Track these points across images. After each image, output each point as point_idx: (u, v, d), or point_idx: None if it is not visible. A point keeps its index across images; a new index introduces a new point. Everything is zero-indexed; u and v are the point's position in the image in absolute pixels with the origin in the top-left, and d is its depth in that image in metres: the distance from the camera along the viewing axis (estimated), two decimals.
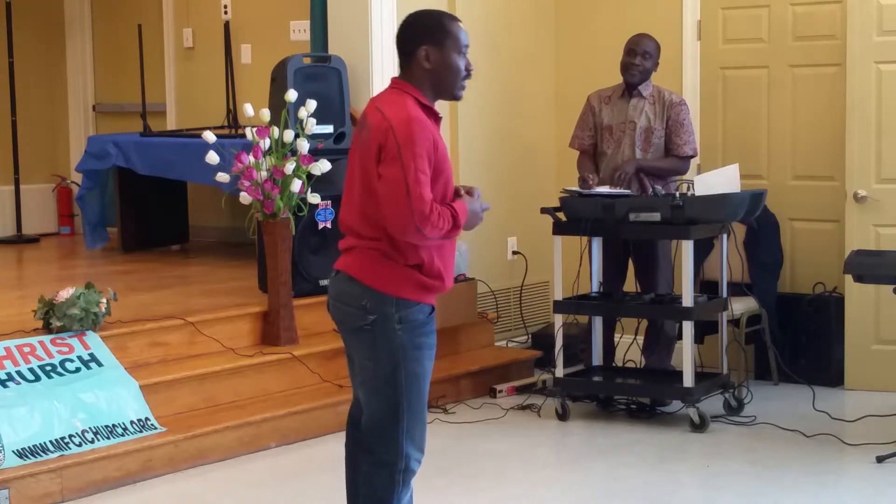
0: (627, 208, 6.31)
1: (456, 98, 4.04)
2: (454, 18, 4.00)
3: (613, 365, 6.91)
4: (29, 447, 5.21)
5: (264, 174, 6.43)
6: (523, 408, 6.73)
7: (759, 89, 7.45)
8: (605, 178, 6.75)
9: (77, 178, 8.89)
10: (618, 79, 6.86)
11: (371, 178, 3.85)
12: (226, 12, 9.10)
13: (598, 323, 6.76)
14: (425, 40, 3.93)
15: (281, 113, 6.48)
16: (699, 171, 7.27)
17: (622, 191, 6.53)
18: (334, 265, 4.01)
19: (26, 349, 5.63)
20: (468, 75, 3.98)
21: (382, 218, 3.83)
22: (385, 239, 3.86)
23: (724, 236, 6.54)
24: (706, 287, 6.95)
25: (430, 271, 3.91)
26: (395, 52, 7.51)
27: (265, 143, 6.47)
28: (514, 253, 7.83)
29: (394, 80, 4.00)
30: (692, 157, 6.86)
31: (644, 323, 6.91)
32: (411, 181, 3.77)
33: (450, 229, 3.87)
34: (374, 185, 3.84)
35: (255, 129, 6.52)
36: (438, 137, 3.90)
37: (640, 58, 6.71)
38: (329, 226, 6.78)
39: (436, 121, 3.97)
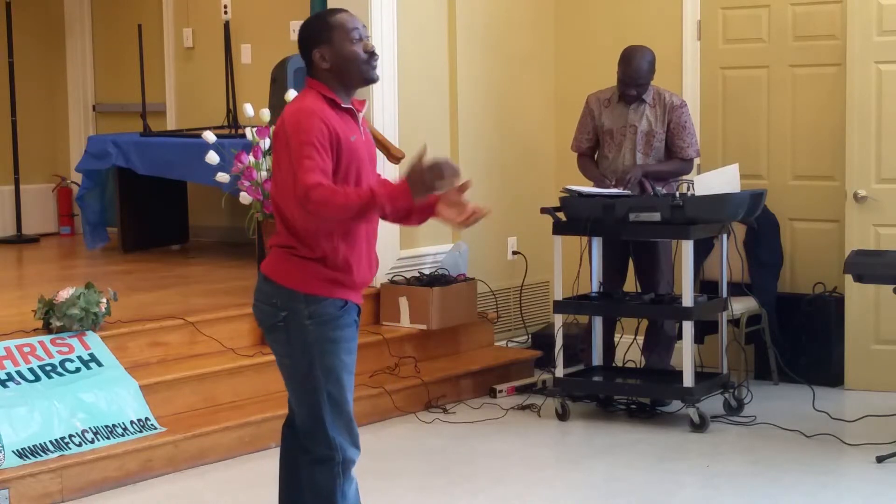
0: (627, 208, 6.31)
1: (370, 81, 4.05)
2: (337, 11, 4.03)
3: (613, 365, 6.91)
4: (29, 447, 5.21)
5: (264, 174, 6.43)
6: (523, 408, 6.73)
7: (759, 89, 7.45)
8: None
9: (77, 178, 8.90)
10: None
11: (279, 178, 3.92)
12: (226, 12, 9.10)
13: (598, 323, 6.76)
14: (315, 44, 3.97)
15: (281, 113, 6.47)
16: (699, 171, 7.27)
17: (622, 191, 6.53)
18: None
19: (26, 349, 5.63)
20: (371, 56, 4.01)
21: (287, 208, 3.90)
22: (290, 235, 3.91)
23: (724, 236, 6.54)
24: (706, 287, 6.95)
25: (336, 264, 3.91)
26: (394, 52, 7.57)
27: (265, 143, 6.47)
28: (514, 253, 7.83)
29: (308, 81, 4.04)
30: (695, 158, 6.87)
31: (644, 323, 6.91)
32: (296, 165, 3.78)
33: (360, 205, 3.75)
34: (281, 184, 3.90)
35: (255, 129, 6.52)
36: (344, 129, 3.90)
37: (635, 89, 6.69)
38: None
39: (347, 113, 3.97)
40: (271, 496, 4.74)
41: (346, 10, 4.03)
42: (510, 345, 7.73)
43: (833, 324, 7.09)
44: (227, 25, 9.06)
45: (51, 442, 5.29)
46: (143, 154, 8.09)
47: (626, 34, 7.29)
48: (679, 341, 6.65)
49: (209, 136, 6.66)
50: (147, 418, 5.64)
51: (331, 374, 3.94)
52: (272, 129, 6.44)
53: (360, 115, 4.03)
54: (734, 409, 6.51)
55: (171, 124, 9.44)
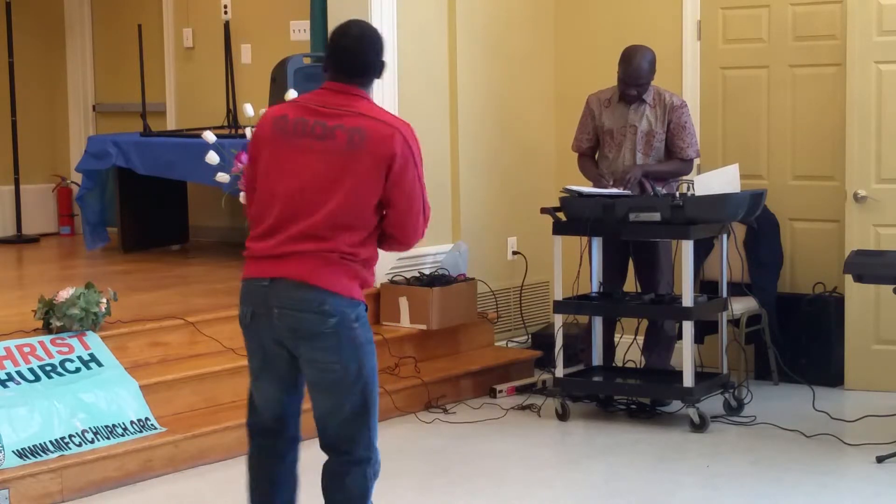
0: (627, 208, 6.31)
1: None
2: None
3: (613, 365, 6.91)
4: (29, 447, 5.21)
5: None
6: (523, 408, 6.73)
7: (759, 89, 7.45)
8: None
9: (77, 178, 8.89)
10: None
11: (366, 187, 3.88)
12: (226, 12, 9.10)
13: (598, 323, 6.76)
14: (384, 54, 4.06)
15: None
16: (699, 171, 7.27)
17: (622, 191, 6.53)
18: (266, 273, 3.97)
19: (26, 349, 5.63)
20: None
21: (392, 226, 3.95)
22: (351, 238, 3.90)
23: (724, 236, 6.54)
24: (706, 287, 6.94)
25: (371, 266, 4.02)
26: (394, 52, 7.56)
27: None
28: (514, 253, 7.83)
29: (352, 87, 3.99)
30: (695, 158, 6.86)
31: (644, 323, 6.91)
32: (424, 190, 3.99)
33: None
34: (369, 194, 3.88)
35: (255, 129, 6.50)
36: None
37: (635, 89, 6.68)
38: None
39: None
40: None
41: None
42: (510, 345, 7.73)
43: (833, 324, 7.09)
44: (227, 25, 9.06)
45: (51, 442, 5.29)
46: (143, 154, 8.08)
47: (626, 34, 7.28)
48: (679, 341, 6.65)
49: (209, 136, 6.65)
50: (147, 418, 5.64)
51: (373, 374, 4.04)
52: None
53: None
54: (734, 409, 6.51)
55: (171, 124, 9.43)
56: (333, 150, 3.90)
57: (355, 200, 3.89)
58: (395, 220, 3.96)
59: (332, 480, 4.07)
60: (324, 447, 4.09)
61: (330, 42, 4.06)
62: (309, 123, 3.94)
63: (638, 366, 6.90)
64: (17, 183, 9.49)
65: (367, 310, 4.03)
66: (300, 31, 8.56)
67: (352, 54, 3.99)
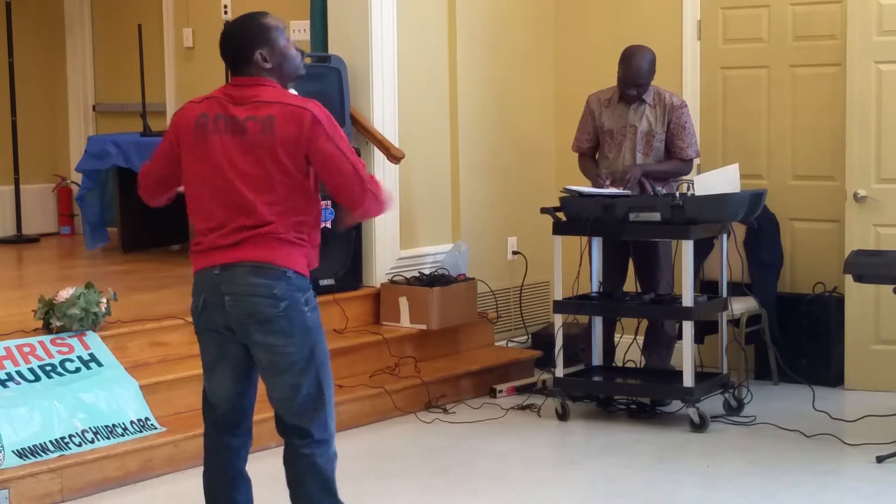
0: (627, 208, 6.31)
1: (301, 77, 4.19)
2: (268, 14, 4.14)
3: (613, 365, 6.91)
4: (29, 447, 5.21)
5: None
6: (523, 408, 6.73)
7: (759, 89, 7.45)
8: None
9: (77, 178, 8.89)
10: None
11: (288, 170, 3.97)
12: (226, 12, 9.10)
13: (598, 323, 6.76)
14: (257, 45, 4.05)
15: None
16: (699, 171, 7.27)
17: (622, 191, 6.53)
18: (216, 261, 4.02)
19: (26, 349, 5.63)
20: (303, 54, 4.18)
21: (333, 195, 4.04)
22: (285, 224, 3.99)
23: (724, 236, 6.54)
24: (706, 287, 6.95)
25: (316, 246, 4.12)
26: (394, 52, 7.56)
27: None
28: (514, 253, 7.83)
29: (255, 78, 4.05)
30: (695, 158, 6.86)
31: (644, 323, 6.91)
32: (352, 156, 4.00)
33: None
34: (294, 174, 3.97)
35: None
36: None
37: (635, 89, 6.68)
38: (329, 226, 6.77)
39: None
40: (270, 495, 4.75)
41: (270, 13, 4.16)
42: (510, 345, 7.73)
43: (833, 324, 7.09)
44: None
45: (51, 442, 5.29)
46: (143, 154, 8.07)
47: (626, 34, 7.28)
48: (679, 341, 6.65)
49: None
50: (147, 418, 5.64)
51: (325, 358, 4.12)
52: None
53: None
54: (734, 409, 6.51)
55: None
56: (250, 142, 3.99)
57: (283, 183, 3.98)
58: (331, 189, 4.04)
59: (300, 466, 4.12)
60: (283, 431, 4.15)
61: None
62: (227, 119, 4.03)
63: (638, 366, 6.90)
64: (17, 183, 9.49)
65: (315, 296, 4.11)
66: (300, 31, 8.55)
67: (231, 47, 4.08)
